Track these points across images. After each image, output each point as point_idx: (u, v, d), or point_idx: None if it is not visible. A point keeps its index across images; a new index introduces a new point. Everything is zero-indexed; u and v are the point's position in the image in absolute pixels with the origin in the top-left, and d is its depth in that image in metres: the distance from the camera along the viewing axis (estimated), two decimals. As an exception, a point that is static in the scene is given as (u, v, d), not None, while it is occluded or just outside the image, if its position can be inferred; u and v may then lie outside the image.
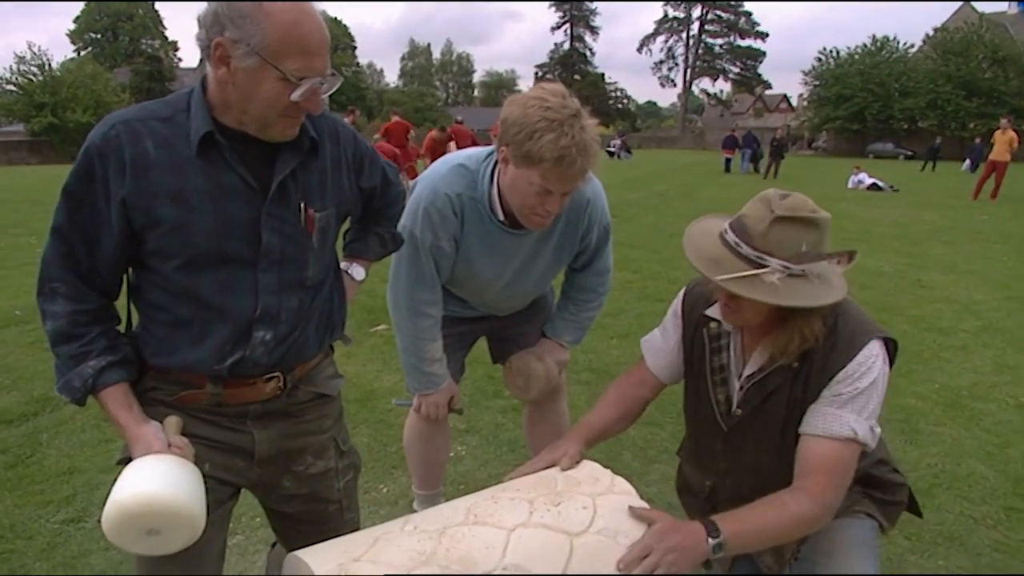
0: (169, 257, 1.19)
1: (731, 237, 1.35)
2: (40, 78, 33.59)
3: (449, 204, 1.72)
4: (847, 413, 1.36)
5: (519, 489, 1.38)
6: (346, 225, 1.56)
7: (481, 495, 1.37)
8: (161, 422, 1.24)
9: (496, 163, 1.71)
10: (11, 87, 33.42)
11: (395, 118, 12.02)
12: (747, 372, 1.49)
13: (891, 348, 1.43)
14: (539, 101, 1.51)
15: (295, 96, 1.12)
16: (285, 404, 1.36)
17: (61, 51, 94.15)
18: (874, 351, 1.38)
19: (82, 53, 54.62)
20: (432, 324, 1.89)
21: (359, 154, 1.40)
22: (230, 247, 1.20)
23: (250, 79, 1.10)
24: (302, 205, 1.25)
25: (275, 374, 1.31)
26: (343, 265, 1.55)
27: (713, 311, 1.53)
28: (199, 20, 1.11)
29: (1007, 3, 39.24)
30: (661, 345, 1.67)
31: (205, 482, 1.23)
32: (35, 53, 34.02)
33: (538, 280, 1.96)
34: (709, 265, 1.35)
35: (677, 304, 1.65)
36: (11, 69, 33.47)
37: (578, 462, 1.49)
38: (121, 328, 1.29)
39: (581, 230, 1.86)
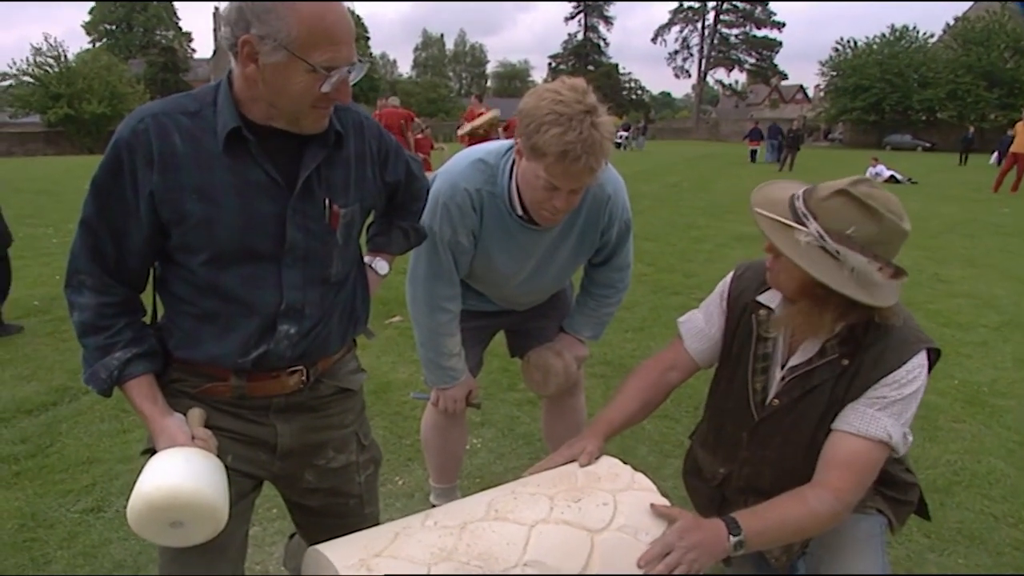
0: (195, 252, 1.20)
1: (798, 192, 1.35)
2: (56, 69, 33.85)
3: (468, 199, 1.71)
4: (885, 416, 1.35)
5: (539, 485, 1.37)
6: (369, 219, 1.56)
7: (501, 490, 1.37)
8: (185, 414, 1.25)
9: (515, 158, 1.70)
10: (28, 78, 33.69)
11: (393, 103, 11.88)
12: (792, 363, 1.47)
13: (933, 358, 1.42)
14: (553, 94, 1.48)
15: (325, 87, 1.12)
16: (308, 398, 1.36)
17: (77, 43, 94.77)
18: (921, 361, 1.37)
19: (97, 44, 54.95)
20: (450, 319, 1.89)
21: (384, 148, 1.40)
22: (255, 243, 1.20)
23: (279, 74, 1.10)
24: (327, 201, 1.25)
25: (298, 367, 1.31)
26: (366, 259, 1.55)
27: (765, 298, 1.51)
28: (223, 18, 1.11)
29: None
30: (703, 327, 1.64)
31: (229, 473, 1.24)
32: (51, 44, 34.34)
33: (557, 275, 1.95)
34: (762, 200, 1.37)
35: (724, 287, 1.62)
36: (28, 61, 33.80)
37: (597, 458, 1.48)
38: (147, 320, 1.30)
39: (601, 226, 1.85)
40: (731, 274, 1.63)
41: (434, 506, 2.36)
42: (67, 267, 1.23)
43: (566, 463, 1.48)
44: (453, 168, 1.77)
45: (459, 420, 2.18)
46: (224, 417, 1.30)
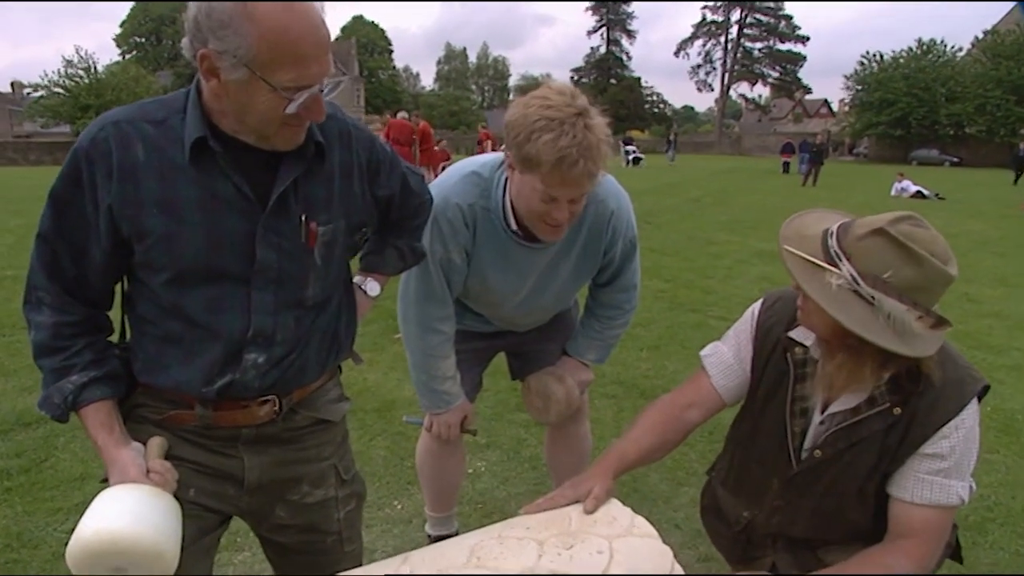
0: (156, 270, 1.11)
1: (832, 228, 1.24)
2: (86, 81, 34.56)
3: (460, 214, 1.61)
4: (954, 481, 1.28)
5: (529, 528, 1.26)
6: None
7: (488, 532, 1.26)
8: (145, 442, 1.16)
9: None
10: (59, 90, 34.43)
11: (421, 121, 11.96)
12: (834, 409, 1.36)
13: (982, 392, 1.32)
14: (541, 100, 1.39)
15: (290, 109, 1.01)
16: (280, 429, 1.26)
17: (107, 55, 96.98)
18: (975, 406, 1.29)
19: (127, 57, 56.16)
20: (443, 340, 1.78)
21: (375, 160, 1.29)
22: (221, 263, 1.11)
23: (242, 92, 1.00)
24: (303, 218, 1.15)
25: (270, 397, 1.21)
26: (357, 279, 1.45)
27: (798, 334, 1.40)
28: (186, 26, 1.02)
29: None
30: (732, 362, 1.52)
31: (191, 508, 1.16)
32: (82, 57, 35.08)
33: (558, 295, 1.84)
34: (793, 235, 1.27)
35: (752, 319, 1.51)
36: (59, 72, 34.55)
37: (604, 502, 1.34)
38: (114, 338, 1.22)
39: (604, 243, 1.73)
40: (759, 305, 1.52)
41: (429, 536, 2.25)
42: (25, 283, 1.15)
43: (569, 504, 1.35)
44: (445, 182, 1.67)
45: (455, 447, 2.06)
46: (188, 447, 1.21)
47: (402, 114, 11.86)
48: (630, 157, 29.34)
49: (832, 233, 1.22)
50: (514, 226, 1.61)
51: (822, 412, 1.38)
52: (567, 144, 1.35)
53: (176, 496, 1.13)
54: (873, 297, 1.15)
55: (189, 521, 1.16)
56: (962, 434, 1.27)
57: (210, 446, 1.22)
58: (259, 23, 0.95)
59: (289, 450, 1.28)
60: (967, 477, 1.30)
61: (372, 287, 1.48)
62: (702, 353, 1.59)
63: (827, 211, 1.34)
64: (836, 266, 1.18)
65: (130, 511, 1.03)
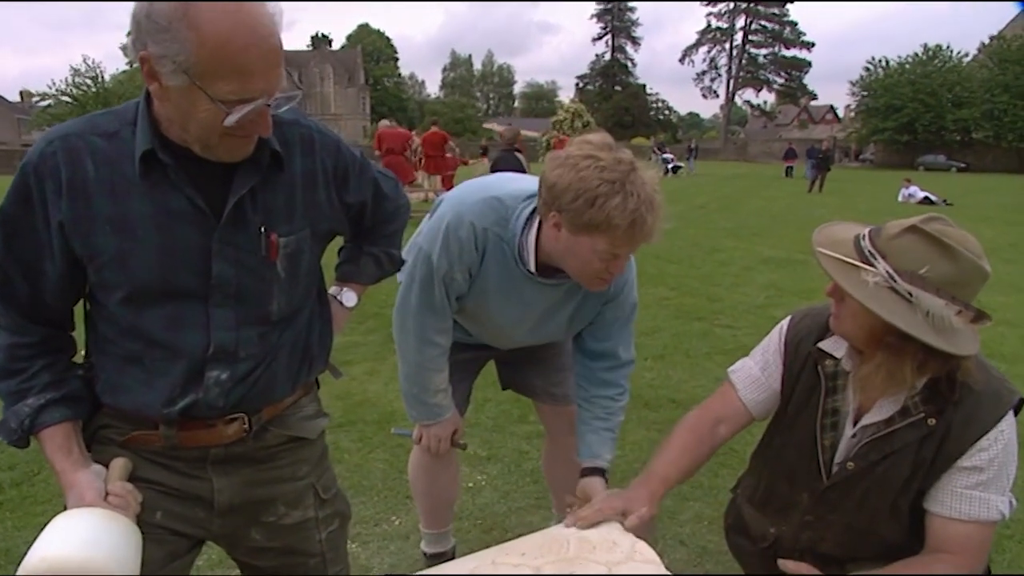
0: (111, 290, 1.06)
1: (864, 231, 1.25)
2: (93, 90, 34.78)
3: (472, 235, 1.55)
4: (993, 495, 1.26)
5: (524, 553, 1.21)
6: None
7: (482, 558, 1.22)
8: (108, 465, 1.11)
9: (534, 208, 1.53)
10: (66, 98, 34.66)
11: (433, 128, 12.07)
12: (867, 421, 1.32)
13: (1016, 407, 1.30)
14: (592, 161, 1.36)
15: (228, 122, 0.95)
16: (251, 448, 1.20)
17: (115, 64, 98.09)
18: (1012, 417, 1.27)
19: (134, 66, 56.54)
20: (440, 353, 1.73)
21: (342, 165, 1.23)
22: (177, 280, 1.06)
23: (182, 98, 0.95)
24: (263, 230, 1.10)
25: (238, 415, 1.15)
26: (332, 290, 1.39)
27: (828, 346, 1.38)
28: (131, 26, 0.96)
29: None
30: (760, 376, 1.50)
31: (158, 532, 1.11)
32: (89, 66, 35.30)
33: (552, 334, 1.79)
34: (825, 240, 1.28)
35: (780, 334, 1.51)
36: (66, 81, 34.80)
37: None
38: (79, 357, 1.17)
39: (608, 293, 1.66)
40: (786, 321, 1.52)
41: (425, 554, 2.19)
42: None
43: (614, 515, 1.32)
44: (465, 198, 1.61)
45: (448, 462, 2.00)
46: (154, 468, 1.15)
47: (384, 122, 12.02)
48: (669, 166, 27.28)
49: (864, 236, 1.23)
50: (532, 265, 1.55)
51: (854, 424, 1.36)
52: (635, 205, 1.35)
53: (143, 519, 1.08)
54: (911, 293, 1.14)
55: (157, 546, 1.11)
56: (1001, 446, 1.25)
57: (177, 467, 1.16)
58: (200, 30, 0.89)
59: (261, 470, 1.22)
60: (1007, 491, 1.27)
61: (348, 297, 1.43)
62: (729, 369, 1.59)
63: (853, 223, 1.34)
64: (871, 264, 1.19)
65: (80, 536, 0.98)
